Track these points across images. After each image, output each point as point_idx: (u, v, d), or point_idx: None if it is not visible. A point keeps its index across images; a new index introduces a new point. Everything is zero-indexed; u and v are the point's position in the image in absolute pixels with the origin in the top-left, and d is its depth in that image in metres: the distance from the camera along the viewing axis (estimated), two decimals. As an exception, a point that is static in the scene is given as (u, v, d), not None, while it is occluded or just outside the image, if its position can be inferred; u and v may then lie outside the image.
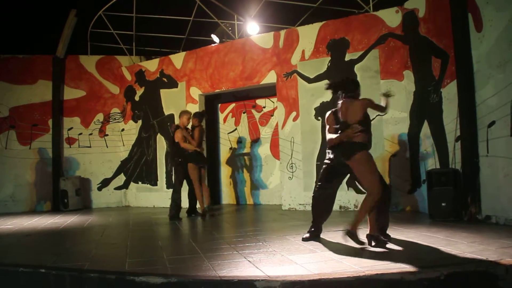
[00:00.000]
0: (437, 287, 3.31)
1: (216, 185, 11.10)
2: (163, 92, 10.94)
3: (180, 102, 10.60)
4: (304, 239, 5.09)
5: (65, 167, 11.13)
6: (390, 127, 7.98)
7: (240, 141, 10.87)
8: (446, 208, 6.25)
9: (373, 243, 4.53)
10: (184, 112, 8.38)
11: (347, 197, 8.20)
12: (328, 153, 5.03)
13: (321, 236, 5.31)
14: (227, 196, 11.03)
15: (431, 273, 3.34)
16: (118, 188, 11.45)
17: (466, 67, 6.11)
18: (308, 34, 8.90)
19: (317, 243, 4.91)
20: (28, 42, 11.93)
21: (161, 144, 10.91)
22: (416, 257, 3.90)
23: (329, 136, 4.93)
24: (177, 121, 9.68)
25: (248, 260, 4.06)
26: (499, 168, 5.58)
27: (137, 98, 11.37)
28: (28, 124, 10.99)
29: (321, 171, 5.15)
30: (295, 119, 8.94)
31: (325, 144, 8.44)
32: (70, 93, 11.40)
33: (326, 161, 5.08)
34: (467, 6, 6.11)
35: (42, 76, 11.13)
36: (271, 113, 10.52)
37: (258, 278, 3.36)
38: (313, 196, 5.24)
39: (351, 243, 4.69)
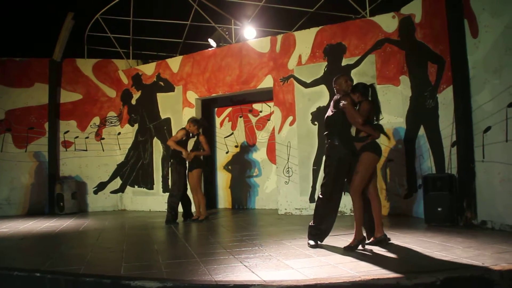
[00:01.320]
0: (432, 292, 3.32)
1: (212, 189, 11.09)
2: (160, 96, 10.94)
3: (176, 106, 10.60)
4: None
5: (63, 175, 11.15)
6: (386, 131, 7.98)
7: (236, 145, 10.87)
8: (442, 213, 6.26)
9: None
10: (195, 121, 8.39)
11: (343, 202, 8.17)
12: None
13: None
14: (223, 200, 11.02)
15: (427, 278, 3.35)
16: (114, 191, 11.42)
17: (462, 72, 6.13)
18: (305, 39, 8.92)
19: (313, 248, 4.91)
20: (25, 45, 11.92)
21: (158, 148, 10.89)
22: (412, 262, 3.90)
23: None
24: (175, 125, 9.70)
25: (244, 265, 4.06)
26: (495, 173, 5.59)
27: (133, 101, 11.36)
28: (24, 127, 10.97)
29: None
30: (291, 123, 8.95)
31: (321, 148, 8.53)
32: (67, 96, 11.39)
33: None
34: (463, 12, 6.14)
35: (38, 79, 11.12)
36: (267, 118, 10.52)
37: (254, 283, 3.36)
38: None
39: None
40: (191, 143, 8.22)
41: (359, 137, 5.01)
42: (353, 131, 5.14)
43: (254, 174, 10.54)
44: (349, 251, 4.62)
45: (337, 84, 5.23)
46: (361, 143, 4.94)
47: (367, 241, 4.94)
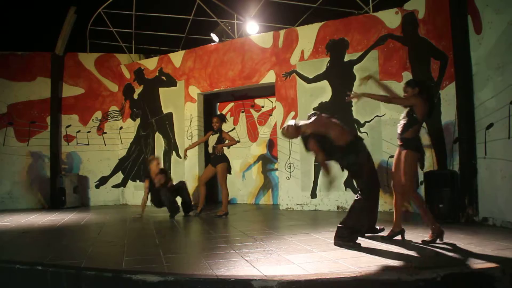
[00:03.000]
0: (433, 288, 3.33)
1: (214, 184, 11.09)
2: (162, 91, 10.94)
3: (178, 100, 10.60)
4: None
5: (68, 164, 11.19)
6: (388, 128, 7.98)
7: (238, 140, 10.86)
8: (443, 209, 6.25)
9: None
10: (152, 160, 8.53)
11: (344, 197, 8.21)
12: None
13: (318, 236, 5.34)
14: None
15: (428, 274, 3.35)
16: (116, 186, 11.44)
17: (465, 69, 6.12)
18: (308, 34, 8.90)
19: (314, 243, 4.92)
20: (27, 39, 11.93)
21: (159, 143, 10.90)
22: (413, 258, 3.91)
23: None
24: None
25: (245, 259, 4.06)
26: (497, 170, 5.59)
27: (135, 96, 11.36)
28: (26, 121, 10.98)
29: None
30: (293, 119, 8.93)
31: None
32: (69, 91, 11.39)
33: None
34: (467, 8, 6.12)
35: (40, 73, 11.12)
36: (269, 113, 10.51)
37: (255, 278, 3.36)
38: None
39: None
40: (212, 140, 8.18)
41: (403, 137, 4.91)
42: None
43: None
44: (427, 244, 4.61)
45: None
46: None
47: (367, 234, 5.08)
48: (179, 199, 8.24)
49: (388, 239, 4.93)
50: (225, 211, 7.92)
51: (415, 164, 4.92)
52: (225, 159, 8.05)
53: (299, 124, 5.03)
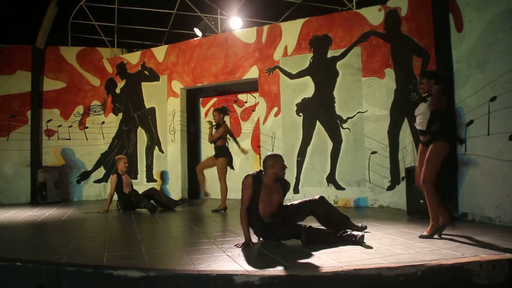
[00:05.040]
0: (413, 283, 3.36)
1: (196, 179, 11.05)
2: (145, 85, 10.86)
3: (161, 95, 10.54)
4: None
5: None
6: (370, 124, 8.04)
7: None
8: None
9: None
10: (119, 158, 8.71)
11: (327, 193, 8.25)
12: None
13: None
14: (208, 190, 10.97)
15: (408, 268, 3.39)
16: (98, 181, 11.34)
17: (446, 66, 6.17)
18: (291, 30, 8.91)
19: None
20: (7, 32, 11.71)
21: (142, 138, 10.83)
22: (394, 253, 3.95)
23: None
24: None
25: (227, 255, 4.06)
26: (476, 166, 5.67)
27: (118, 90, 11.26)
28: (6, 115, 10.80)
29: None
30: (276, 114, 8.96)
31: (305, 140, 8.57)
32: (50, 85, 11.23)
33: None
34: (448, 6, 6.18)
35: (21, 67, 10.94)
36: (252, 108, 10.52)
37: (236, 273, 3.37)
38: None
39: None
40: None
41: (431, 130, 4.79)
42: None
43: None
44: (425, 238, 4.64)
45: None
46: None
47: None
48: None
49: (428, 237, 4.71)
50: (224, 206, 7.93)
51: (444, 156, 4.77)
52: (225, 154, 8.05)
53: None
